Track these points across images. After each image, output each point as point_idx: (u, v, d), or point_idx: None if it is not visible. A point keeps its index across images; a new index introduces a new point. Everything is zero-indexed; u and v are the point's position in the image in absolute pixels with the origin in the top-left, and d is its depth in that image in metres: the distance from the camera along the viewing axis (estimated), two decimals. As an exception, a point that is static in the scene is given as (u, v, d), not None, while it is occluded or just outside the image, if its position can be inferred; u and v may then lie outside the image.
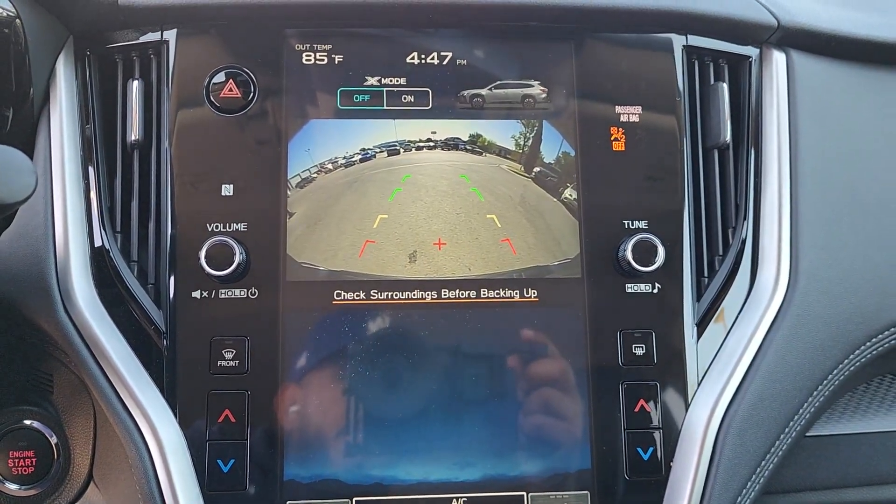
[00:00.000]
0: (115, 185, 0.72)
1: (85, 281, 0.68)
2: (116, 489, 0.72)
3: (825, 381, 0.73)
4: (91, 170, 0.71)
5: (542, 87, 0.74)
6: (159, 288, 0.70)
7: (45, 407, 0.76)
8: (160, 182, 0.71)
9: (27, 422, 0.76)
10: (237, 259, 0.67)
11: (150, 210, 0.72)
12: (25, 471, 0.76)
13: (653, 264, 0.70)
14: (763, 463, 0.70)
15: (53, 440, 0.76)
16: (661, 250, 0.70)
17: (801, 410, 0.72)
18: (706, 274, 0.74)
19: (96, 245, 0.69)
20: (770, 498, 0.78)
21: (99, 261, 0.69)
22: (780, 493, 0.79)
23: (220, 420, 0.67)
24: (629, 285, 0.72)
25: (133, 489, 0.67)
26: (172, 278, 0.69)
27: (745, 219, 0.75)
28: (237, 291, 0.69)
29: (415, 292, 0.70)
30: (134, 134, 0.72)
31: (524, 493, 0.69)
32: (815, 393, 0.73)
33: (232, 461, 0.66)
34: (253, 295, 0.69)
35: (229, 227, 0.70)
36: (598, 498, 0.69)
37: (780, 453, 0.71)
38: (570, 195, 0.73)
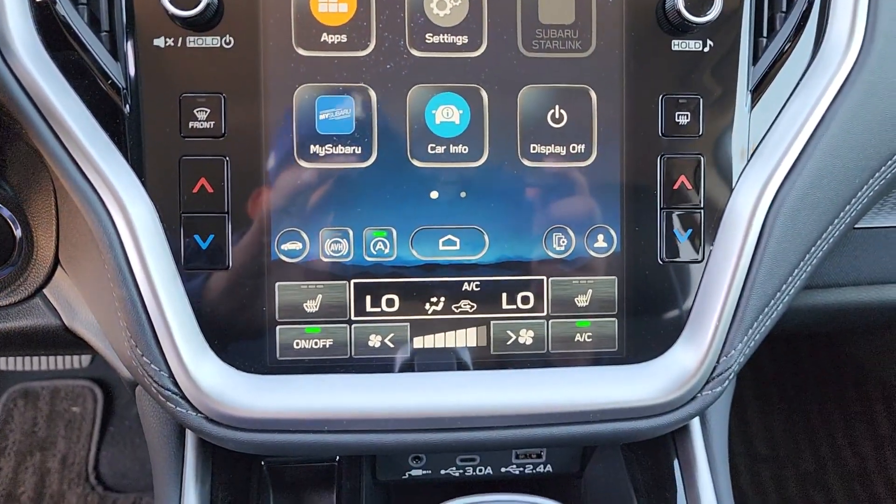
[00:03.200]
0: None
1: (25, 27, 0.56)
2: (85, 273, 0.64)
3: (891, 161, 0.63)
4: None
5: None
6: (114, 36, 0.58)
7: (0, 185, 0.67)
8: None
9: (-21, 201, 0.67)
10: (208, -5, 0.55)
11: (96, -62, 0.58)
12: (-16, 254, 0.68)
13: (708, 14, 0.58)
14: (813, 250, 0.62)
15: (12, 221, 0.67)
16: (718, -3, 0.58)
17: (859, 194, 0.63)
18: (765, 34, 0.63)
19: None
20: (809, 293, 0.71)
21: (40, 4, 0.57)
22: (820, 287, 0.72)
23: (194, 190, 0.58)
24: (676, 42, 0.60)
25: (101, 270, 0.59)
26: (130, 23, 0.57)
27: None
28: (209, 39, 0.57)
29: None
30: None
31: (544, 278, 0.61)
32: (877, 174, 0.64)
33: (211, 236, 0.58)
34: (228, 44, 0.58)
35: (193, -41, 0.57)
36: (627, 283, 0.61)
37: (832, 240, 0.63)
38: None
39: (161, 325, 0.56)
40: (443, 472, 0.72)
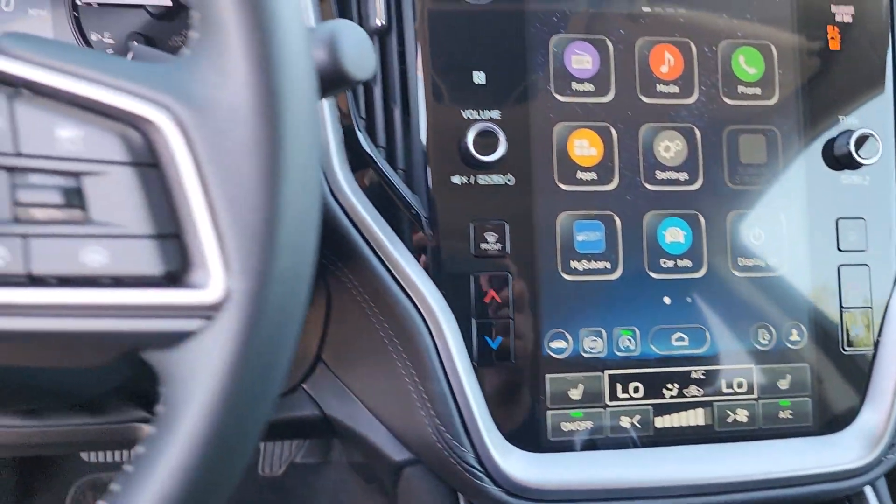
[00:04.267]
0: (355, 71, 0.72)
1: (345, 165, 0.69)
2: (354, 369, 0.75)
3: None
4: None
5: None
6: (411, 173, 0.71)
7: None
8: (405, 68, 0.72)
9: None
10: (503, 145, 0.69)
11: (394, 96, 0.72)
12: (252, 353, 0.78)
13: (872, 157, 0.75)
14: None
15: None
16: (880, 144, 0.75)
17: None
18: (902, 169, 0.80)
19: (344, 128, 0.70)
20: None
21: (349, 145, 0.70)
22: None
23: (485, 300, 0.70)
24: (845, 176, 0.77)
25: (381, 367, 0.71)
26: (430, 163, 0.70)
27: None
28: (495, 177, 0.71)
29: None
30: (378, 20, 0.71)
31: (753, 366, 0.75)
32: None
33: (499, 338, 0.70)
34: (510, 182, 0.71)
35: (483, 115, 0.71)
36: (817, 369, 0.76)
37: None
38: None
39: (467, 413, 0.68)
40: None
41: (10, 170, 0.39)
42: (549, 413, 0.71)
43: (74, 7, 0.85)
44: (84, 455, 1.62)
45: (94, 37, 0.85)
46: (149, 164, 0.39)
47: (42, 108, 0.39)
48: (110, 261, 0.38)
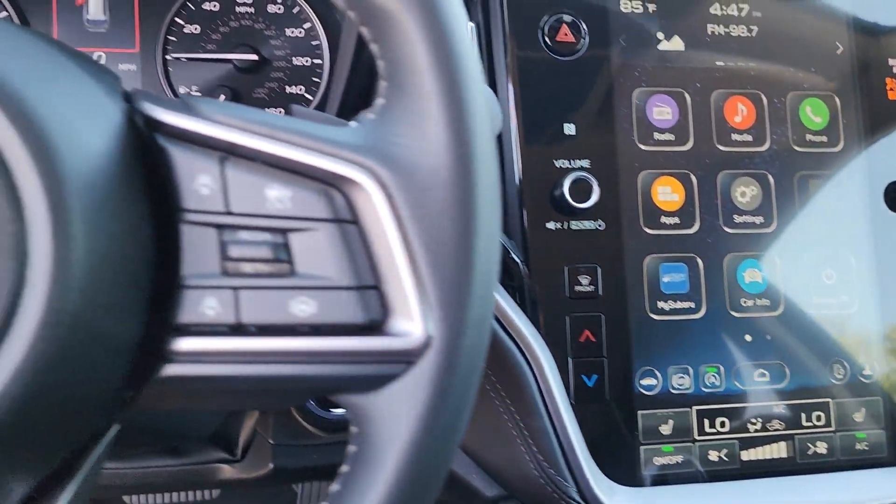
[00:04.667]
0: (449, 123, 0.76)
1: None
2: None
3: None
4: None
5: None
6: (505, 219, 0.75)
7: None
8: (498, 120, 0.76)
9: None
10: (596, 193, 0.73)
11: (488, 146, 0.76)
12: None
13: (937, 203, 0.80)
14: None
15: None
16: (943, 187, 0.80)
17: None
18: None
19: None
20: None
21: None
22: None
23: (581, 340, 0.73)
24: (905, 218, 0.82)
25: (481, 409, 0.73)
26: (525, 210, 0.74)
27: None
28: (586, 223, 0.75)
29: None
30: (474, 74, 0.75)
31: (829, 400, 0.78)
32: None
33: (595, 376, 0.73)
34: (600, 227, 0.75)
35: (574, 164, 0.75)
36: (889, 402, 0.79)
37: None
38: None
39: (569, 448, 0.71)
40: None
41: (220, 227, 0.42)
42: (642, 448, 0.74)
43: (164, 62, 0.89)
44: (126, 497, 1.62)
45: (182, 89, 0.89)
46: (350, 220, 0.42)
47: (250, 170, 0.42)
48: (318, 311, 0.41)
